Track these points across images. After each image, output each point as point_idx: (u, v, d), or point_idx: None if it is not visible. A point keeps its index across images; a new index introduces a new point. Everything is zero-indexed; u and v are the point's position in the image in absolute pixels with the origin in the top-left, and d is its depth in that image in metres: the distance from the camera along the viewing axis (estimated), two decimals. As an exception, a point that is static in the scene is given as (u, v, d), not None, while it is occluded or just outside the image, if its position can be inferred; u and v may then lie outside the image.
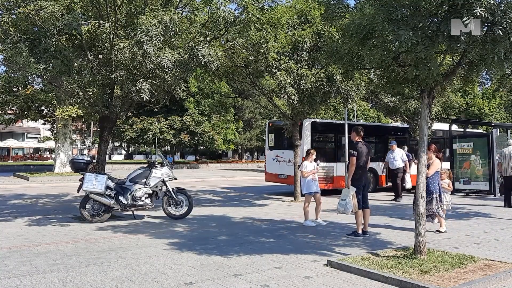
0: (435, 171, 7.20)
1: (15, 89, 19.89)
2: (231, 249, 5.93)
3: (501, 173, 11.74)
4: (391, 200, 12.60)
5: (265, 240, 6.64)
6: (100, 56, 8.90)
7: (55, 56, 7.27)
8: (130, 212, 8.62)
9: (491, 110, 37.17)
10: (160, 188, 8.54)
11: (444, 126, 17.52)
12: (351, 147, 7.12)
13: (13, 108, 22.09)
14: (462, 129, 16.96)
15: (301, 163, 8.28)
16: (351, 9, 5.65)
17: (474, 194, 14.02)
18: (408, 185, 12.92)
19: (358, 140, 7.14)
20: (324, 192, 13.10)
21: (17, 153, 53.37)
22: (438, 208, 7.21)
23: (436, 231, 7.36)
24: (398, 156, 12.96)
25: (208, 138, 33.43)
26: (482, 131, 25.69)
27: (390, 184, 15.59)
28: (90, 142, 47.96)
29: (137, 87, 7.45)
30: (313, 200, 8.18)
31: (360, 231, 6.91)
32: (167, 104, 20.32)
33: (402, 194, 13.03)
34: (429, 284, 4.15)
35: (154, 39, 6.88)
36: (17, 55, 6.83)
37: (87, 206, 8.05)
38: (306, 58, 11.17)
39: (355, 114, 40.66)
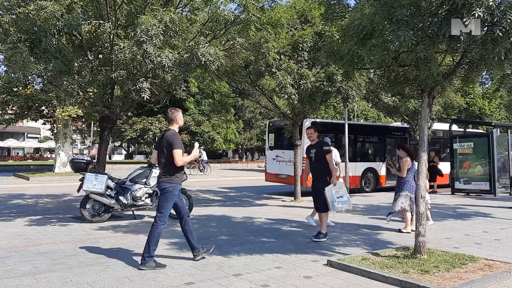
0: (406, 169, 7.18)
1: (15, 89, 19.91)
2: (232, 249, 5.93)
3: None
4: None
5: (265, 240, 6.64)
6: (100, 56, 8.90)
7: (55, 56, 7.28)
8: (130, 212, 8.62)
9: (491, 110, 37.21)
10: (161, 188, 8.53)
11: (444, 126, 17.54)
12: (325, 145, 6.72)
13: (13, 108, 22.11)
14: (462, 129, 16.98)
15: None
16: (351, 9, 5.65)
17: (474, 194, 14.03)
18: None
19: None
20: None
21: (17, 153, 53.41)
22: (409, 206, 7.17)
23: (398, 230, 7.40)
24: None
25: (208, 138, 33.46)
26: (482, 131, 25.71)
27: (389, 184, 15.63)
28: (90, 142, 48.01)
29: (137, 87, 7.45)
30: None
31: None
32: (167, 104, 20.28)
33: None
34: (429, 284, 4.14)
35: (154, 38, 6.89)
36: (17, 55, 6.83)
37: (87, 206, 8.05)
38: (306, 58, 11.17)
39: (355, 114, 40.69)
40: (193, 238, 5.33)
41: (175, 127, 5.22)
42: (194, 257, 5.30)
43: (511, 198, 13.00)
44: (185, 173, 5.33)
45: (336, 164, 10.35)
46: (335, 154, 10.58)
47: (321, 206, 6.61)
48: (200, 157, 24.45)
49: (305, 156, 7.03)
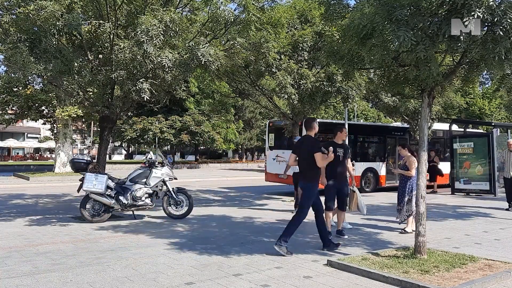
0: (415, 167, 7.14)
1: (15, 89, 19.87)
2: (232, 249, 5.93)
3: None
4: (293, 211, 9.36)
5: (265, 240, 6.64)
6: (100, 56, 8.90)
7: (55, 56, 7.27)
8: (130, 212, 8.62)
9: (491, 110, 37.19)
10: (160, 188, 8.54)
11: (444, 126, 17.53)
12: (348, 147, 7.12)
13: (13, 108, 22.09)
14: (462, 129, 16.98)
15: None
16: (351, 9, 5.65)
17: (474, 194, 14.03)
18: None
19: None
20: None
21: (18, 153, 53.39)
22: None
23: (403, 230, 7.34)
24: None
25: (208, 138, 33.45)
26: (482, 131, 25.71)
27: (388, 184, 15.61)
28: (90, 142, 48.02)
29: (137, 87, 7.45)
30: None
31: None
32: (167, 104, 20.25)
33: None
34: (429, 284, 4.15)
35: (154, 39, 6.88)
36: (17, 55, 6.83)
37: (87, 206, 8.04)
38: (306, 57, 11.18)
39: (355, 114, 40.69)
40: (325, 232, 5.94)
41: (312, 133, 5.97)
42: (324, 248, 5.86)
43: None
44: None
45: None
46: None
47: (344, 204, 6.99)
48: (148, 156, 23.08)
49: (325, 152, 6.86)
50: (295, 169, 10.03)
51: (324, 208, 6.22)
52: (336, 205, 7.02)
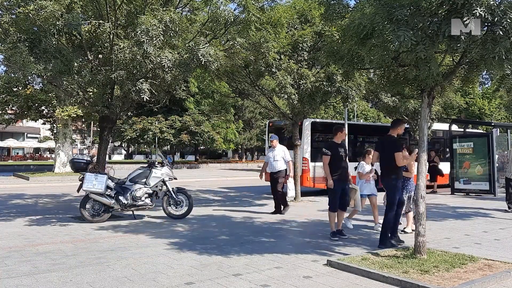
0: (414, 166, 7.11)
1: (15, 89, 19.88)
2: (231, 249, 5.93)
3: None
4: (271, 213, 9.60)
5: (265, 240, 6.65)
6: (100, 56, 8.90)
7: (55, 56, 7.27)
8: (130, 212, 8.62)
9: (491, 110, 37.17)
10: (160, 188, 8.54)
11: (444, 126, 17.53)
12: (346, 148, 7.12)
13: (13, 108, 22.11)
14: (462, 129, 16.98)
15: (359, 164, 7.82)
16: (351, 9, 5.65)
17: (474, 194, 14.03)
18: (291, 192, 9.79)
19: None
20: (325, 192, 13.10)
21: (17, 153, 53.39)
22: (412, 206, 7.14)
23: (402, 231, 7.29)
24: (279, 155, 9.58)
25: (208, 138, 33.45)
26: (482, 131, 25.71)
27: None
28: (90, 142, 48.02)
29: (137, 87, 7.44)
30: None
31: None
32: (167, 104, 20.27)
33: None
34: (429, 284, 4.15)
35: (154, 39, 6.88)
36: (17, 55, 6.82)
37: (87, 206, 8.04)
38: (306, 57, 11.17)
39: (355, 114, 40.66)
40: (394, 226, 6.24)
41: (395, 133, 6.13)
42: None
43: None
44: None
45: (286, 162, 9.71)
46: (285, 151, 9.84)
47: (345, 204, 6.94)
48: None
49: (328, 153, 6.67)
50: (272, 169, 9.85)
51: (345, 208, 6.67)
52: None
